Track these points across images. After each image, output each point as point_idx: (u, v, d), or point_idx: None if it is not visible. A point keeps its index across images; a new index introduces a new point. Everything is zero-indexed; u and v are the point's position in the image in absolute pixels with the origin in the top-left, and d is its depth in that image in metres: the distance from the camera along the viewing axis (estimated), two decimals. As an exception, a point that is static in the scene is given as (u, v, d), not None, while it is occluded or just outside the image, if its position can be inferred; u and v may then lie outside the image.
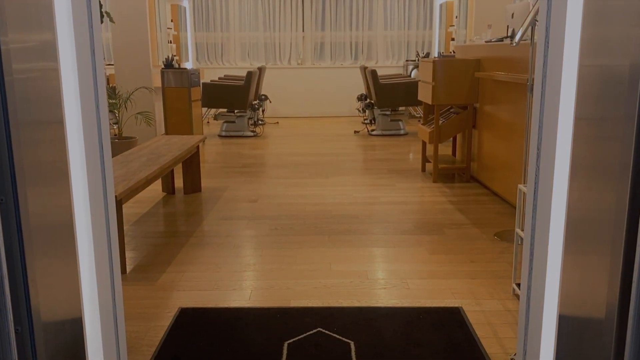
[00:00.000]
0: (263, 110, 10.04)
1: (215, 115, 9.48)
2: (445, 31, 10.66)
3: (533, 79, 3.46)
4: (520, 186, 3.08)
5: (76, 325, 1.79)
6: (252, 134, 9.20)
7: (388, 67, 11.80)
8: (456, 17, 10.00)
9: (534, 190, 1.96)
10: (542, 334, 1.94)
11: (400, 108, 9.37)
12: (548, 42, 1.84)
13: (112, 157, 4.53)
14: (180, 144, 5.09)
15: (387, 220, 4.50)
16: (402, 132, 9.18)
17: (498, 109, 5.09)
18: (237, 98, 8.99)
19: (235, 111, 9.17)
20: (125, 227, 4.36)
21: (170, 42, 9.85)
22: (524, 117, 4.40)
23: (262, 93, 10.27)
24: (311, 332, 2.75)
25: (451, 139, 6.54)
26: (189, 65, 10.75)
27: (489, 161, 5.35)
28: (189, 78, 7.80)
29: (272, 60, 11.93)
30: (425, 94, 5.91)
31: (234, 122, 9.18)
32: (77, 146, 1.83)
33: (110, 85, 8.05)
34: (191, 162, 5.39)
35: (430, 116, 6.23)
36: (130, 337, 2.72)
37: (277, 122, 10.93)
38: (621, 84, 1.37)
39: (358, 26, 11.84)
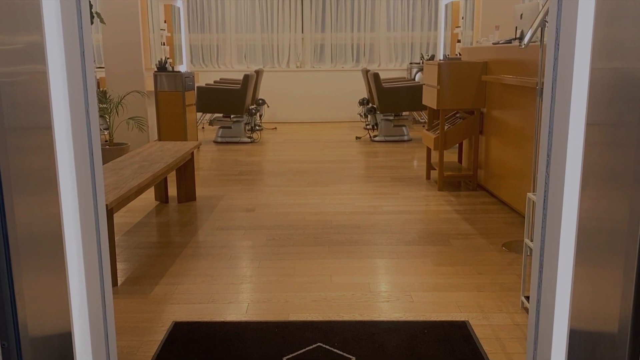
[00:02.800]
0: (260, 115, 10.05)
1: (210, 120, 9.49)
2: (450, 33, 10.69)
3: (543, 83, 3.46)
4: (530, 195, 3.08)
5: (65, 340, 1.79)
6: (249, 140, 9.21)
7: (391, 70, 11.82)
8: (462, 18, 10.02)
9: (544, 199, 1.97)
10: (552, 350, 1.94)
11: (404, 113, 9.39)
12: (558, 44, 1.85)
13: (103, 164, 4.52)
14: (174, 150, 5.10)
15: (390, 231, 4.50)
16: (405, 138, 9.19)
17: (506, 114, 5.10)
18: (234, 102, 9.01)
19: (232, 116, 9.18)
20: (116, 238, 4.36)
21: (164, 44, 9.87)
22: (533, 123, 4.40)
23: (259, 97, 10.28)
24: (311, 347, 2.75)
25: (457, 145, 6.54)
26: (183, 68, 10.77)
27: (496, 168, 5.35)
28: (183, 81, 7.82)
29: (270, 63, 11.96)
30: (430, 99, 5.93)
31: (230, 127, 9.18)
32: (66, 153, 1.83)
33: (101, 89, 8.06)
34: (185, 170, 5.39)
35: (435, 121, 6.24)
36: (122, 353, 2.71)
37: (275, 128, 10.94)
38: (635, 88, 1.37)
39: (360, 27, 11.87)
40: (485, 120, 5.67)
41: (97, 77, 8.77)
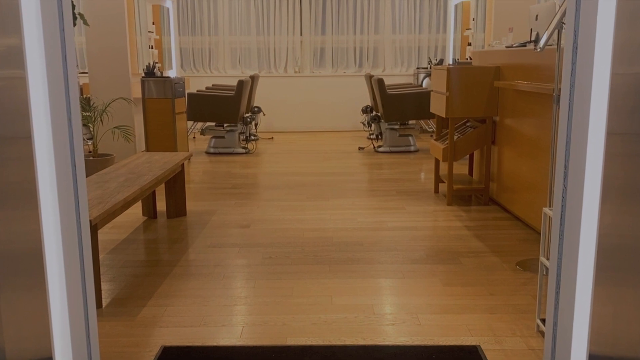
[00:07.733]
0: (256, 124, 10.08)
1: (202, 129, 9.51)
2: (460, 35, 10.74)
3: (560, 89, 3.47)
4: (546, 209, 3.09)
5: (44, 367, 1.79)
6: (243, 150, 9.23)
7: (396, 75, 11.87)
8: (473, 19, 10.07)
9: (561, 214, 1.97)
10: (572, 377, 1.94)
11: (411, 122, 9.41)
12: (576, 48, 1.86)
13: (86, 176, 4.53)
14: (163, 162, 5.11)
15: (395, 248, 4.50)
16: (412, 148, 9.21)
17: (520, 122, 5.11)
18: (227, 110, 9.03)
19: (225, 125, 9.20)
20: (100, 256, 4.36)
21: (152, 48, 9.91)
22: (549, 132, 4.41)
23: (254, 105, 10.32)
24: (310, 374, 2.74)
25: (467, 156, 6.55)
26: (172, 73, 10.81)
27: (510, 181, 5.36)
28: (173, 88, 7.84)
29: (266, 68, 11.99)
30: (438, 106, 5.94)
31: (223, 137, 9.20)
32: (47, 164, 1.84)
33: (84, 95, 8.08)
34: (175, 183, 5.40)
35: (444, 131, 6.25)
36: (105, 381, 2.71)
37: (272, 138, 10.96)
38: (657, 95, 1.38)
39: (363, 29, 11.91)
40: (497, 130, 5.69)
41: (80, 83, 8.79)
